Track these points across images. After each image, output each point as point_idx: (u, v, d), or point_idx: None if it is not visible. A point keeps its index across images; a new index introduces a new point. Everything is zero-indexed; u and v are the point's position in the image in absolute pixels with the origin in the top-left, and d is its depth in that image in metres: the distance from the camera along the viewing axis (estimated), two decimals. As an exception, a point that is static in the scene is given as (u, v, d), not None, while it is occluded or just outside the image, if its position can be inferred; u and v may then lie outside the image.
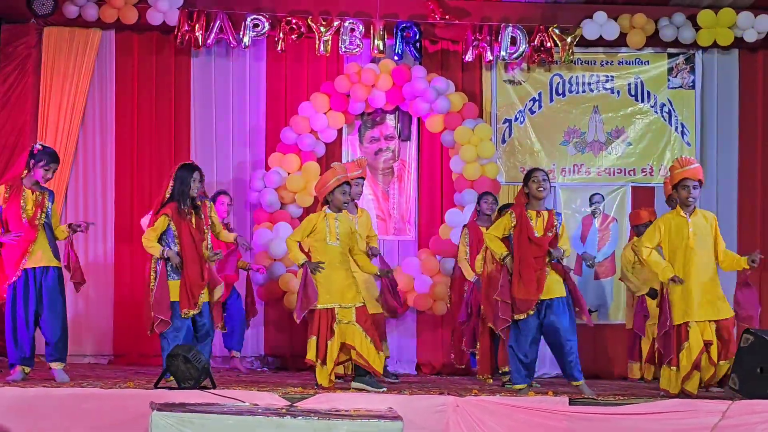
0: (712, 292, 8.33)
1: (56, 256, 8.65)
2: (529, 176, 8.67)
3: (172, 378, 7.82)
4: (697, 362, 8.13)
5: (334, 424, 6.60)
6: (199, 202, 8.48)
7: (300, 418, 6.67)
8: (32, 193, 8.57)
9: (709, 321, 8.25)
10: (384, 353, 8.72)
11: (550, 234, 8.50)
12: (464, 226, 10.55)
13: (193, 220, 8.43)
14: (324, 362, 8.33)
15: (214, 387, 7.72)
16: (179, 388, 7.63)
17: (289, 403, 7.24)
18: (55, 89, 11.53)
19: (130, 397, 7.44)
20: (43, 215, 8.59)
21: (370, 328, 8.40)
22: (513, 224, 8.57)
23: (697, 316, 8.20)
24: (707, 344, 8.19)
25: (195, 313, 8.30)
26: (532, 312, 8.37)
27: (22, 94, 11.45)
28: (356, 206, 9.84)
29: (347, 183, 8.71)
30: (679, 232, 8.41)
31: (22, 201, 8.50)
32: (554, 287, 8.44)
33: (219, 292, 8.55)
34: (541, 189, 8.54)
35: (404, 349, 11.73)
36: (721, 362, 8.27)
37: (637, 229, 10.55)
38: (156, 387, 7.76)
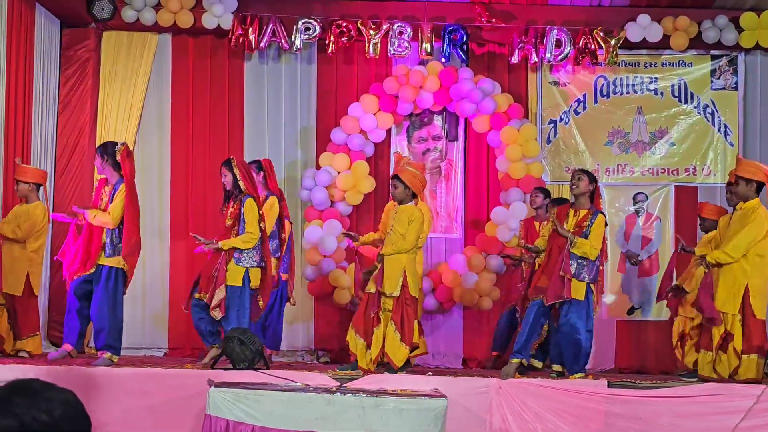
0: (734, 285, 8.52)
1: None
2: (572, 174, 9.01)
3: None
4: (718, 345, 8.35)
5: (381, 401, 6.87)
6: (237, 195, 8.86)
7: (349, 395, 6.96)
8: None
9: (733, 314, 8.45)
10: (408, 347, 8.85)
11: (575, 231, 8.69)
12: (520, 221, 10.88)
13: (229, 211, 8.80)
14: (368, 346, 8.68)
15: (268, 368, 8.01)
16: (234, 369, 7.93)
17: (339, 384, 7.51)
18: (114, 91, 11.90)
19: (188, 376, 7.74)
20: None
21: (403, 318, 8.70)
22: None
23: (719, 306, 8.43)
24: (729, 334, 8.38)
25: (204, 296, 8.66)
26: (534, 299, 8.67)
27: (82, 96, 11.80)
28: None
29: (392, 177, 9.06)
30: (726, 227, 8.70)
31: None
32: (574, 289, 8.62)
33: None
34: (572, 187, 8.86)
35: (451, 344, 11.93)
36: (744, 356, 8.46)
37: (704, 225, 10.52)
38: (212, 368, 8.07)
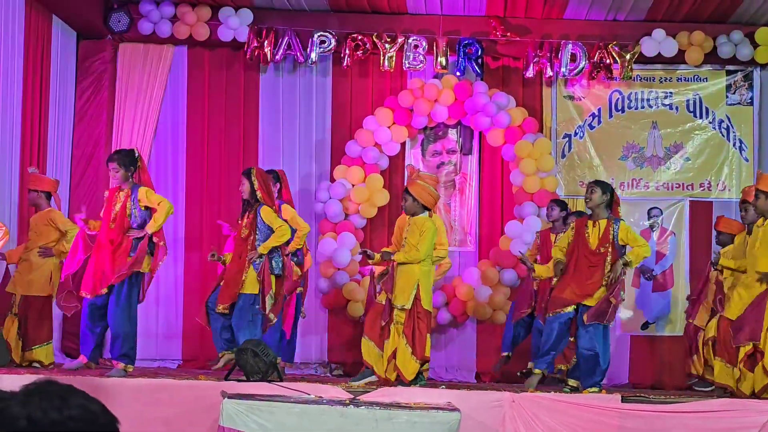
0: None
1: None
2: (587, 187, 9.02)
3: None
4: (743, 361, 8.32)
5: (394, 414, 6.88)
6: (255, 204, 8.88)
7: (362, 407, 6.97)
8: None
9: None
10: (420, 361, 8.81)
11: (604, 248, 8.65)
12: (537, 231, 10.89)
13: (244, 221, 8.83)
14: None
15: (282, 380, 8.02)
16: (248, 381, 7.94)
17: (353, 396, 7.51)
18: (130, 103, 11.94)
19: (201, 387, 7.75)
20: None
21: (415, 332, 8.70)
22: (572, 236, 8.86)
23: None
24: (757, 350, 8.35)
25: (226, 308, 8.69)
26: (561, 311, 8.65)
27: (98, 107, 11.85)
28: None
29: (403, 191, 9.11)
30: (750, 241, 8.69)
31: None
32: (599, 296, 8.64)
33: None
34: (587, 200, 8.88)
35: (464, 358, 11.93)
36: None
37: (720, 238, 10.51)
38: (226, 380, 8.08)
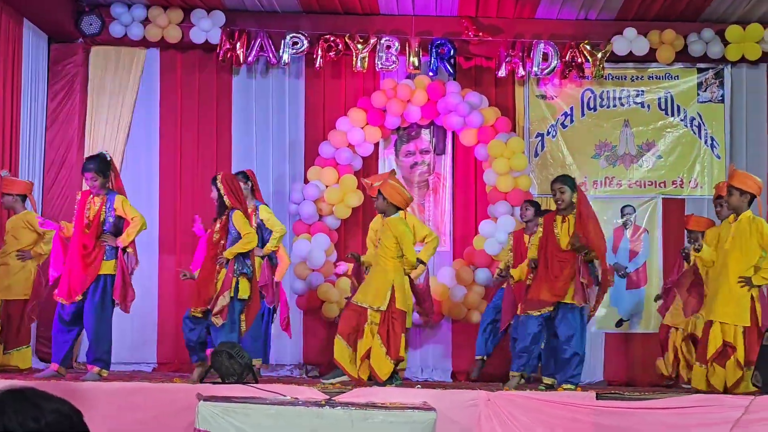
0: (733, 297, 8.57)
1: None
2: (551, 187, 9.00)
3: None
4: (714, 358, 8.40)
5: (370, 414, 6.88)
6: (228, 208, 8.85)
7: (338, 408, 6.97)
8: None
9: (735, 324, 8.50)
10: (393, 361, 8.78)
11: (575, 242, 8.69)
12: (509, 233, 10.90)
13: (216, 225, 8.80)
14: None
15: (257, 382, 8.01)
16: (223, 383, 7.93)
17: (328, 397, 7.51)
18: (102, 106, 11.92)
19: (177, 390, 7.73)
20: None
21: (389, 332, 8.70)
22: (540, 233, 8.89)
23: (716, 316, 8.49)
24: (729, 346, 8.43)
25: (201, 312, 8.60)
26: (537, 313, 8.66)
27: (71, 111, 11.82)
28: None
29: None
30: (722, 238, 8.74)
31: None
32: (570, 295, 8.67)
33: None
34: (559, 201, 8.82)
35: (439, 358, 11.95)
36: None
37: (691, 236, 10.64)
38: (201, 382, 8.07)
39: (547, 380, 8.90)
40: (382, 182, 9.17)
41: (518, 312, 8.97)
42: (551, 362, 8.90)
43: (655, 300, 11.27)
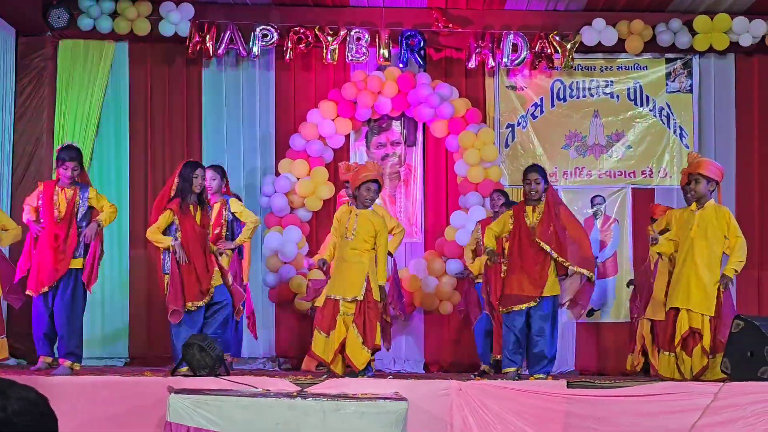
0: (700, 285, 8.69)
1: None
2: (524, 177, 8.99)
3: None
4: (680, 344, 8.53)
5: (342, 405, 6.88)
6: (207, 198, 8.82)
7: (310, 399, 6.97)
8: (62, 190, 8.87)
9: (701, 313, 8.63)
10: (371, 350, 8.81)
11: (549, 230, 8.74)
12: (478, 221, 10.91)
13: (198, 215, 8.69)
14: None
15: (228, 374, 8.00)
16: (195, 376, 7.92)
17: (300, 388, 7.51)
18: (71, 100, 11.85)
19: (148, 384, 7.68)
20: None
21: (366, 322, 8.71)
22: (512, 222, 8.89)
23: (682, 304, 8.60)
24: (696, 332, 8.55)
25: (203, 303, 8.57)
26: (520, 308, 8.69)
27: (39, 105, 11.74)
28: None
29: (371, 182, 8.96)
30: (685, 224, 8.81)
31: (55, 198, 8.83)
32: (554, 286, 8.73)
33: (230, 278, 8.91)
34: (533, 192, 8.80)
35: (412, 349, 11.98)
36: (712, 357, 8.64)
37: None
38: (173, 375, 8.05)
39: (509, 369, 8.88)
40: (373, 173, 9.03)
41: (501, 309, 8.93)
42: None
43: (627, 286, 11.27)
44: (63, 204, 8.73)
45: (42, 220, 8.76)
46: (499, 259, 9.04)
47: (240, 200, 10.11)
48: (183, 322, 8.48)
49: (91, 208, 8.84)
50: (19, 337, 10.71)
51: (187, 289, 8.50)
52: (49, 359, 8.82)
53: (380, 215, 9.18)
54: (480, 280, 10.31)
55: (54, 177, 9.22)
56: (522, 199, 9.15)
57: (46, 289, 8.63)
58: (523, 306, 8.66)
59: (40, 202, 8.82)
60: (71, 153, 8.84)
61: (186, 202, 8.62)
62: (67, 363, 8.56)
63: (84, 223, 8.78)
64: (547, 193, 8.78)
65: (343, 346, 8.67)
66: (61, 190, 8.79)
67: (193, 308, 8.51)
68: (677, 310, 8.76)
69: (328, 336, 8.67)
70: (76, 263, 8.71)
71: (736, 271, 8.79)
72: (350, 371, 8.65)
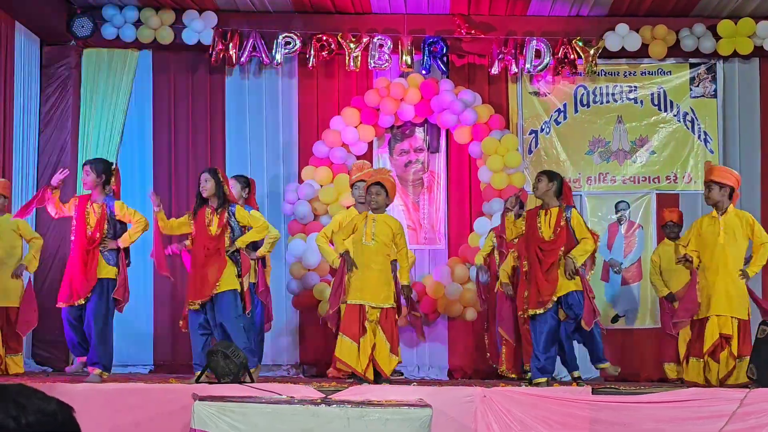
0: (734, 289, 8.69)
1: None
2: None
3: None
4: (710, 351, 8.50)
5: (366, 412, 6.87)
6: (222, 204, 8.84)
7: (334, 406, 6.96)
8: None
9: (732, 317, 8.62)
10: (398, 357, 8.86)
11: (555, 235, 8.73)
12: (491, 228, 10.88)
13: (212, 219, 8.75)
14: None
15: (253, 381, 8.01)
16: (219, 383, 7.93)
17: (324, 395, 7.51)
18: (95, 108, 11.92)
19: (173, 391, 7.72)
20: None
21: (389, 330, 8.71)
22: (524, 228, 8.96)
23: (716, 310, 8.57)
24: (726, 338, 8.54)
25: (202, 303, 8.62)
26: (542, 311, 8.67)
27: (63, 113, 11.80)
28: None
29: (372, 184, 9.00)
30: (711, 231, 8.81)
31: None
32: (567, 283, 8.71)
33: (246, 281, 8.94)
34: (534, 189, 9.03)
35: (436, 356, 11.94)
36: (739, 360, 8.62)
37: (664, 230, 10.84)
38: (197, 382, 8.07)
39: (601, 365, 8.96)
40: (381, 176, 9.06)
41: (527, 313, 8.92)
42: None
43: (670, 300, 10.95)
44: (93, 219, 8.83)
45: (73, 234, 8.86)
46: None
47: (257, 211, 10.03)
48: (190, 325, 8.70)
49: (118, 222, 8.91)
50: (44, 344, 10.78)
51: (190, 288, 8.75)
52: (84, 358, 8.88)
53: (396, 219, 9.24)
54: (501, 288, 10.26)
55: (79, 189, 9.27)
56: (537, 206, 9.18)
57: (81, 300, 8.73)
58: (545, 309, 8.65)
59: (74, 214, 8.90)
60: (90, 160, 9.12)
61: (201, 207, 8.77)
62: (96, 371, 8.63)
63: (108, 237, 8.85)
64: (570, 214, 8.84)
65: (372, 352, 8.67)
66: (91, 205, 8.87)
67: (191, 307, 8.65)
68: (707, 317, 8.74)
69: (358, 343, 8.63)
70: (109, 271, 8.78)
71: (755, 271, 8.85)
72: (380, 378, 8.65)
